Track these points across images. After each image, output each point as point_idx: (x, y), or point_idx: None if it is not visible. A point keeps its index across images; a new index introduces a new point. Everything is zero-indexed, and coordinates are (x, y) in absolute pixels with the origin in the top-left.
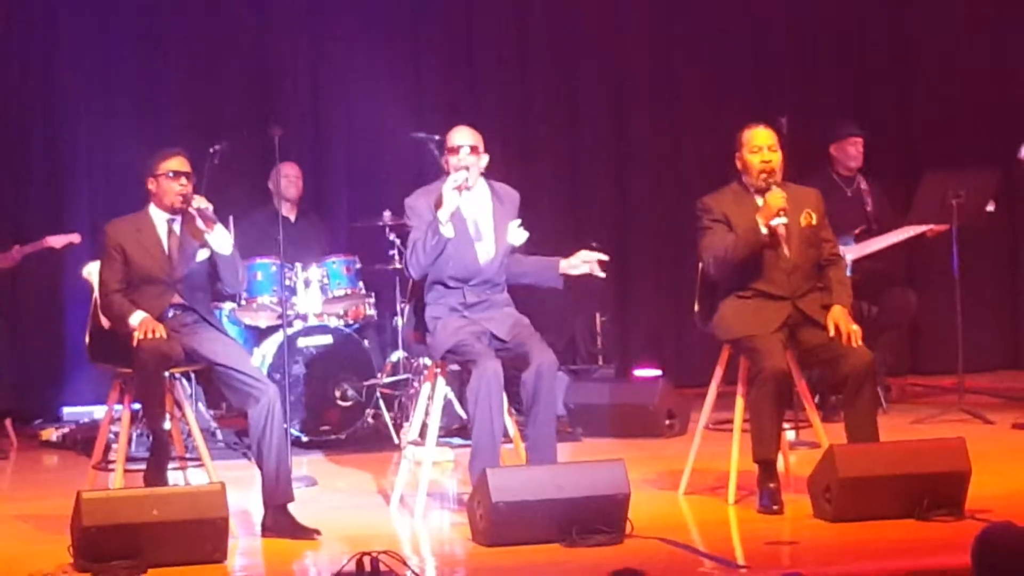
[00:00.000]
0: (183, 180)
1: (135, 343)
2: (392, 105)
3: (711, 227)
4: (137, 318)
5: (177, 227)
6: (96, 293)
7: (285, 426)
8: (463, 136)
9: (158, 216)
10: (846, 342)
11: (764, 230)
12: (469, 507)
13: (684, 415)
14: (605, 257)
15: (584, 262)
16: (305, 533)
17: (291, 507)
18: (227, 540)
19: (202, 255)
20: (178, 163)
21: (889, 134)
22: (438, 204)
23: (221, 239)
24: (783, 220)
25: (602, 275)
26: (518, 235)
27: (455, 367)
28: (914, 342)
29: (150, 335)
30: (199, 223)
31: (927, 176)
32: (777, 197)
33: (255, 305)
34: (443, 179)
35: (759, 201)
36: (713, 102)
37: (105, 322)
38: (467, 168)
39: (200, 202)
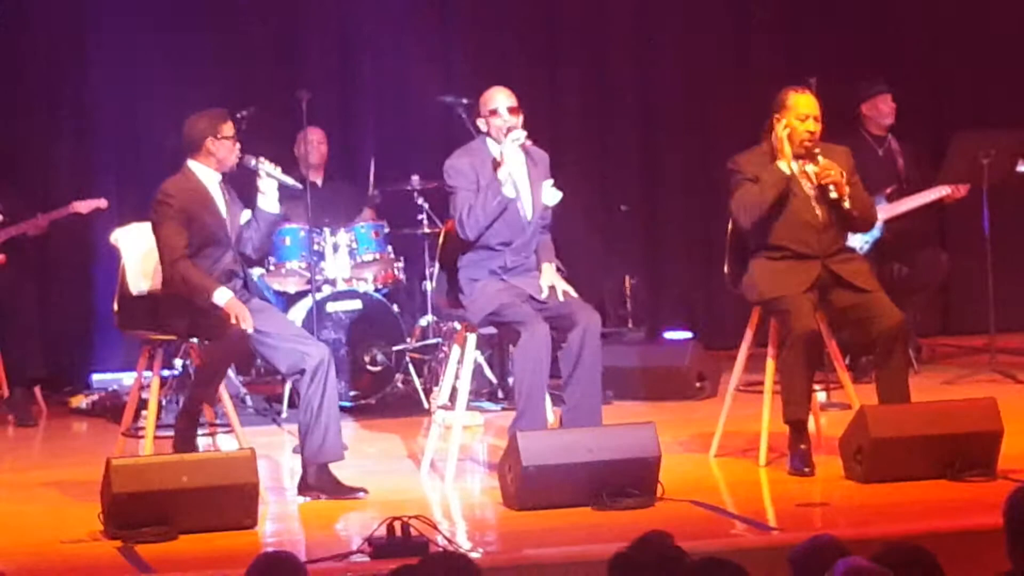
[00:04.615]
0: (235, 143)
1: (226, 327)
2: (420, 68)
3: (743, 184)
4: (224, 297)
5: (223, 188)
6: (123, 260)
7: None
8: (502, 98)
9: (209, 176)
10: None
11: (787, 171)
12: (500, 471)
13: (715, 377)
14: (573, 291)
15: (550, 287)
16: (349, 492)
17: None
18: (257, 506)
19: (245, 216)
20: (232, 127)
21: (919, 94)
22: (496, 164)
23: (273, 199)
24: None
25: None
26: (552, 195)
27: (487, 330)
28: (945, 302)
29: (243, 324)
30: (264, 182)
31: (957, 135)
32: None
33: (284, 270)
34: (480, 140)
35: (788, 166)
36: (742, 63)
37: (136, 288)
38: (516, 127)
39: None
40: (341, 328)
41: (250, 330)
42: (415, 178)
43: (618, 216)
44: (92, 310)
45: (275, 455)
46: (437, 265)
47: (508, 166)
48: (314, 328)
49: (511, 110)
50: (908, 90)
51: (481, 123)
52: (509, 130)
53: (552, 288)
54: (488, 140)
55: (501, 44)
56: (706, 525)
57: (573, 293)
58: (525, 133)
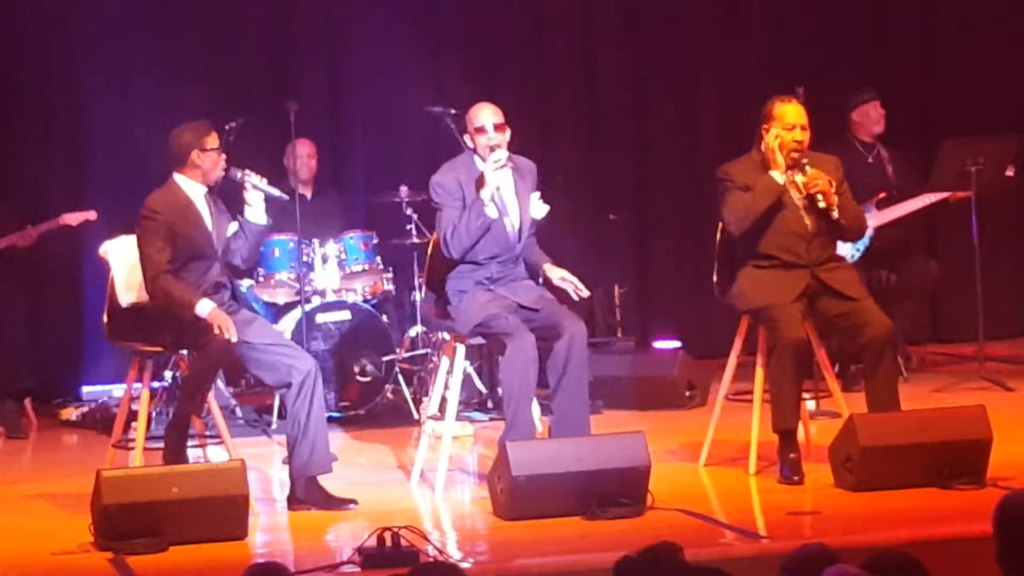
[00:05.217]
0: (220, 155)
1: (209, 337)
2: (409, 78)
3: (734, 192)
4: (206, 308)
5: (209, 201)
6: (112, 273)
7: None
8: (488, 114)
9: (195, 189)
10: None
11: (780, 180)
12: (490, 481)
13: (704, 386)
14: (585, 292)
15: (564, 279)
16: (339, 504)
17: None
18: (247, 517)
19: (232, 228)
20: (217, 138)
21: (908, 102)
22: (479, 185)
23: (260, 210)
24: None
25: (583, 295)
26: (539, 208)
27: (476, 341)
28: (934, 310)
29: (226, 334)
30: (251, 194)
31: (946, 143)
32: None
33: (273, 281)
34: (467, 154)
35: (782, 176)
36: (731, 71)
37: (125, 301)
38: (500, 146)
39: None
40: (330, 339)
41: (233, 339)
42: (404, 189)
43: (607, 225)
44: (82, 322)
45: (265, 466)
46: (424, 279)
47: (491, 187)
48: (303, 339)
49: (497, 127)
50: (898, 98)
51: (467, 139)
52: (492, 149)
53: (565, 280)
54: (475, 156)
55: (490, 53)
56: (696, 534)
57: (585, 292)
58: (506, 155)
